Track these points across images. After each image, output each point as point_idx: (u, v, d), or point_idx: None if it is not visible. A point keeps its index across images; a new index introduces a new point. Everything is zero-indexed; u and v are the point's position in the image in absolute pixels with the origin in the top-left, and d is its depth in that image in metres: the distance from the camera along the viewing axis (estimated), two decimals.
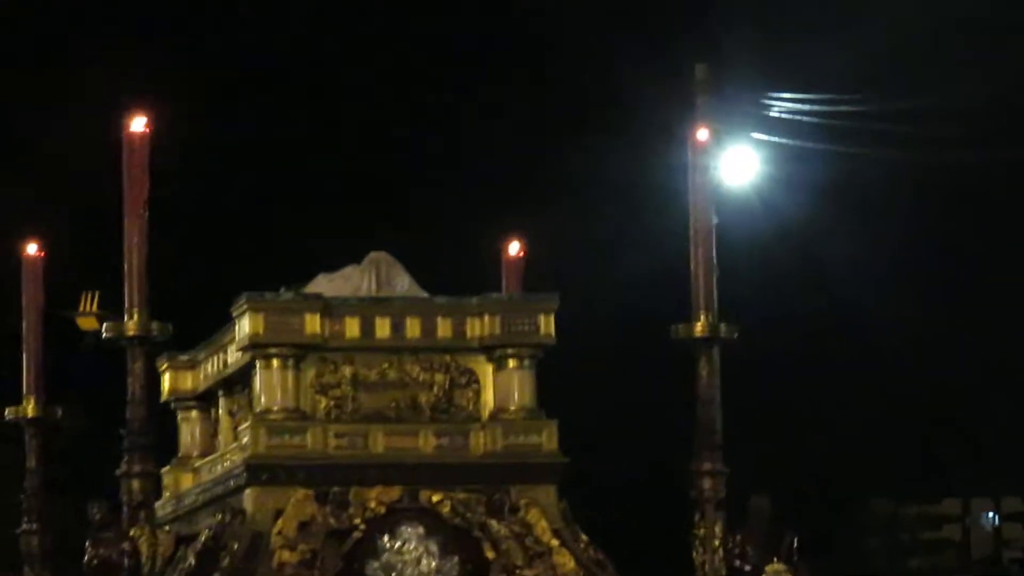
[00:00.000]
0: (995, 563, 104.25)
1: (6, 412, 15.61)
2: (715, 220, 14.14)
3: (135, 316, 12.63)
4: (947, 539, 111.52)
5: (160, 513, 14.27)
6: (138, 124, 12.78)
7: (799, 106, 37.55)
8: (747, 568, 13.16)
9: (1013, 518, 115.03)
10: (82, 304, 15.53)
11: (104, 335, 12.88)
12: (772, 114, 37.74)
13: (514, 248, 15.86)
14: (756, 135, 37.09)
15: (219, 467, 14.53)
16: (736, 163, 33.20)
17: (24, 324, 15.41)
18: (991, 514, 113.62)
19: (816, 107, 38.01)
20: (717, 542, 13.40)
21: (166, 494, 15.28)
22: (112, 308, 14.90)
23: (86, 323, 15.13)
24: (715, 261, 14.00)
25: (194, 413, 15.67)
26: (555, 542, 13.55)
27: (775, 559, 12.24)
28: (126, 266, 12.76)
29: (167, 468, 15.45)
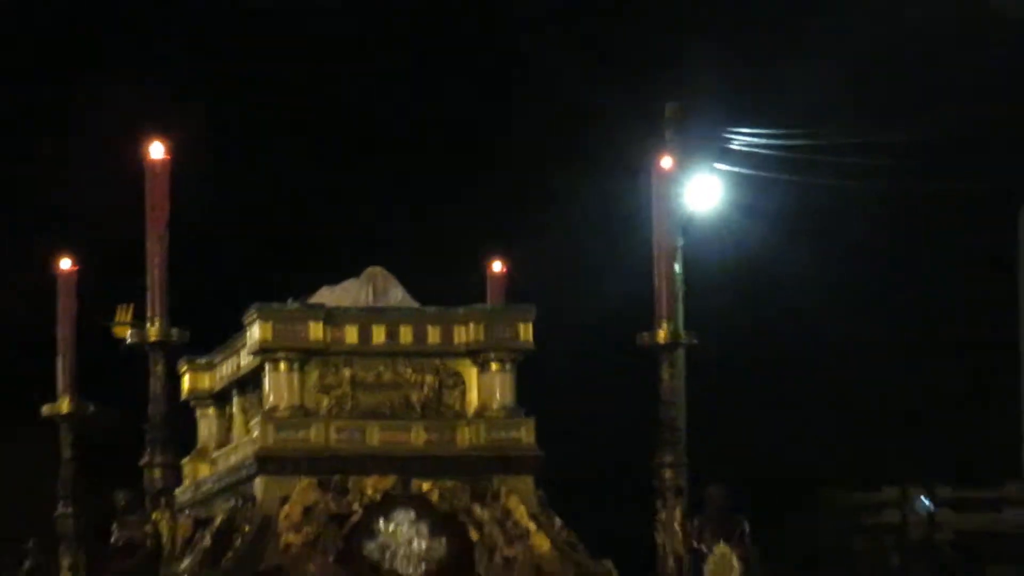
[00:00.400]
0: (929, 544, 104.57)
1: (43, 409, 15.62)
2: (680, 241, 14.18)
3: (156, 324, 12.64)
4: (887, 523, 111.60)
5: (180, 499, 14.25)
6: (157, 151, 12.76)
7: (758, 139, 37.39)
8: (704, 549, 13.12)
9: (945, 504, 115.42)
10: (118, 315, 15.48)
11: (128, 341, 12.93)
12: (733, 147, 37.62)
13: (497, 266, 15.84)
14: (719, 166, 37.00)
15: (233, 458, 14.51)
16: (701, 191, 33.05)
17: (59, 331, 15.43)
18: (926, 500, 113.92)
19: (773, 140, 37.89)
20: (677, 526, 13.35)
21: (186, 482, 15.23)
22: (145, 319, 14.88)
23: (121, 331, 15.03)
24: (679, 277, 14.06)
25: (211, 410, 15.65)
26: (532, 525, 13.54)
27: (725, 542, 12.14)
28: (148, 280, 12.77)
29: (187, 459, 15.43)
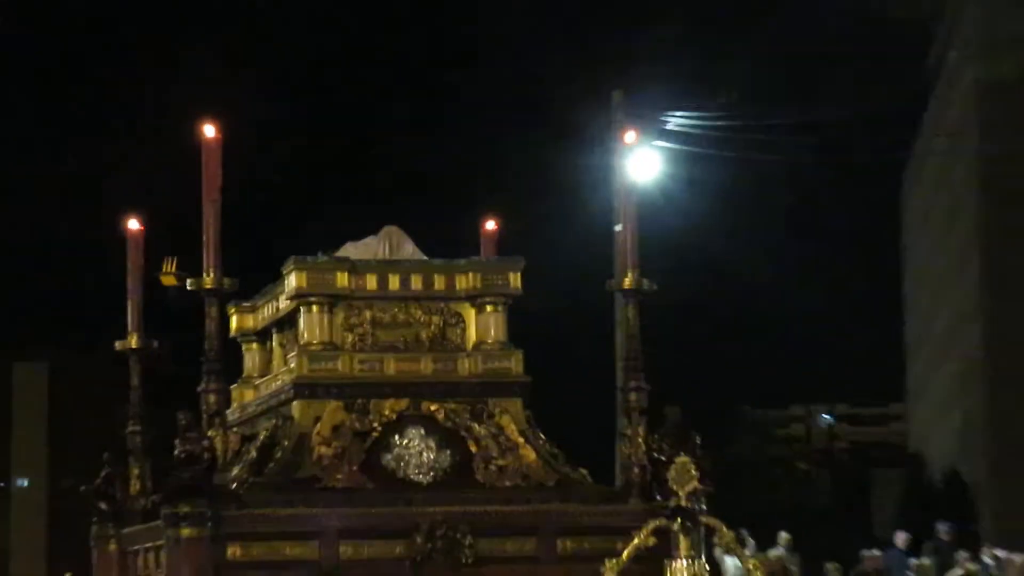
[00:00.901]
0: (829, 452, 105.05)
1: (116, 344, 15.66)
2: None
3: (211, 274, 12.81)
4: (794, 435, 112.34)
5: (230, 419, 14.33)
6: (210, 132, 12.78)
7: (690, 120, 37.31)
8: (662, 458, 13.03)
9: (842, 419, 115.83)
10: (164, 266, 15.58)
11: (188, 288, 12.98)
12: (670, 127, 37.54)
13: (490, 224, 15.80)
14: (657, 143, 36.91)
15: (273, 385, 14.52)
16: (642, 164, 32.82)
17: (128, 280, 15.47)
18: (826, 416, 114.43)
19: (703, 121, 37.81)
20: (640, 439, 13.32)
21: (233, 405, 15.24)
22: (188, 269, 15.00)
23: (167, 280, 15.18)
24: (638, 234, 13.97)
25: (254, 345, 15.66)
26: (521, 440, 13.58)
27: (683, 453, 12.01)
28: (204, 237, 12.87)
29: (234, 386, 15.48)
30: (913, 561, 29.91)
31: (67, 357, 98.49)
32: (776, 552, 31.59)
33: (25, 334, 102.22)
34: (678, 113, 37.89)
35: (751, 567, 8.91)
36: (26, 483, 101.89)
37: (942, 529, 31.62)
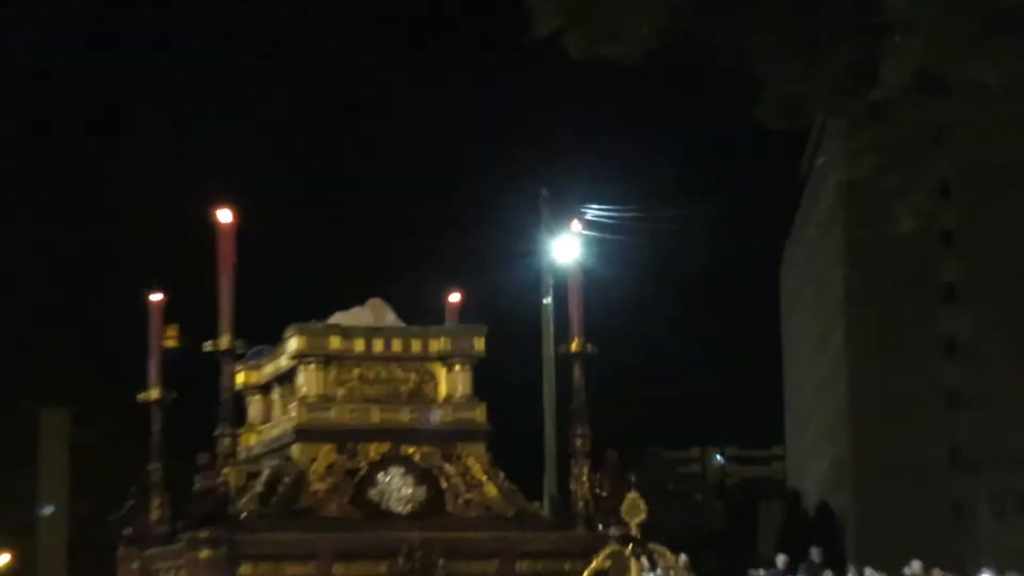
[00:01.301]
0: (721, 486, 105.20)
1: (138, 396, 15.49)
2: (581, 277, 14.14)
3: (226, 337, 12.51)
4: (692, 472, 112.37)
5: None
6: (226, 216, 12.63)
7: (604, 213, 37.33)
8: (604, 494, 12.98)
9: (732, 459, 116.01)
10: (168, 332, 15.55)
11: (205, 349, 12.79)
12: (588, 217, 37.58)
13: (454, 296, 15.70)
14: (578, 230, 36.93)
15: (275, 431, 14.36)
16: (565, 247, 32.83)
17: (151, 341, 15.27)
18: (718, 456, 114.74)
19: (614, 213, 37.85)
20: (585, 477, 13.25)
21: (240, 447, 15.02)
22: (188, 334, 15.10)
23: (169, 343, 15.17)
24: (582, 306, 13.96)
25: (257, 397, 15.38)
26: (484, 477, 13.48)
27: (630, 490, 11.96)
28: (220, 306, 12.60)
29: (240, 431, 15.23)
30: None
31: (87, 405, 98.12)
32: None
33: (51, 385, 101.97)
34: (593, 206, 37.89)
35: None
36: (50, 511, 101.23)
37: (814, 552, 31.65)
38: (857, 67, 10.25)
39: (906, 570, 30.18)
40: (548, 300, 28.41)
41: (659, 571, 9.62)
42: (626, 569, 8.43)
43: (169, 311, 15.87)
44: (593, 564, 9.29)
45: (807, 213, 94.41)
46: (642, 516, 8.67)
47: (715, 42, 11.01)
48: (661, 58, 11.34)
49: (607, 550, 9.82)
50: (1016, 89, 9.92)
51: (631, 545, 8.48)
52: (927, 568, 30.15)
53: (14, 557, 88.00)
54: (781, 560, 32.33)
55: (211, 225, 12.84)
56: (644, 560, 8.43)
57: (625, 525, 11.52)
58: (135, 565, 15.10)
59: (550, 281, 28.53)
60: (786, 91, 11.01)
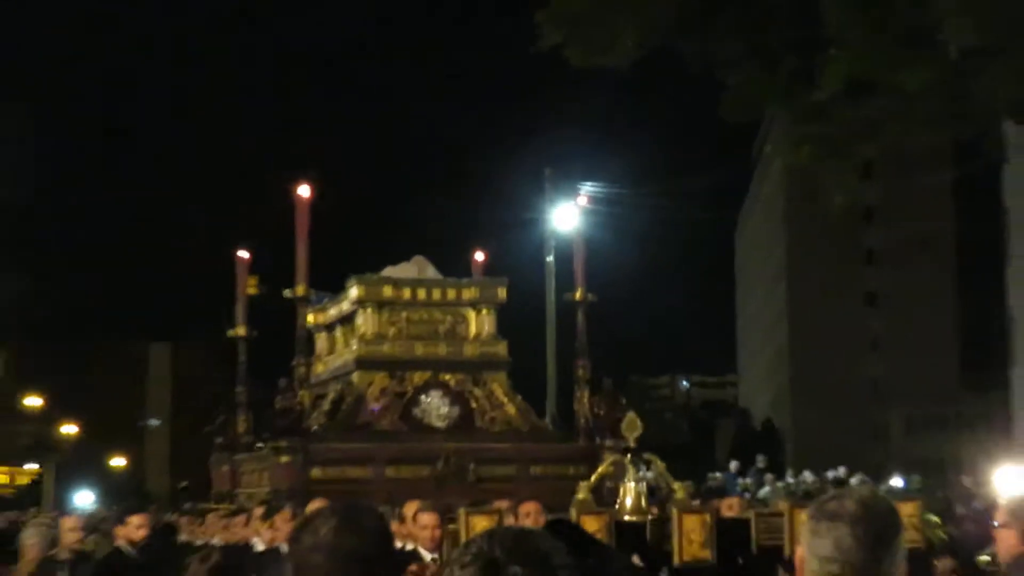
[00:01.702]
0: (686, 406, 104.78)
1: (227, 332, 15.47)
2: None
3: (302, 286, 12.51)
4: (663, 395, 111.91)
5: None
6: (304, 191, 12.54)
7: (599, 190, 36.94)
8: (601, 413, 12.89)
9: (695, 385, 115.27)
10: (250, 282, 15.61)
11: (285, 295, 12.74)
12: (584, 192, 37.26)
13: (479, 255, 15.64)
14: (581, 204, 36.63)
15: (338, 361, 14.39)
16: (566, 217, 32.45)
17: (237, 290, 15.20)
18: (684, 382, 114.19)
19: (608, 190, 37.41)
20: (585, 401, 13.18)
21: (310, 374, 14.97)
22: (267, 283, 15.19)
23: (251, 290, 15.18)
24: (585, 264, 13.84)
25: (323, 334, 15.36)
26: (505, 400, 13.52)
27: (622, 411, 11.87)
28: (296, 261, 12.55)
29: (311, 361, 15.17)
30: (740, 480, 29.83)
31: (186, 340, 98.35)
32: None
33: (157, 324, 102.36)
34: (588, 184, 37.50)
35: (675, 487, 8.70)
36: (156, 423, 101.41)
37: (760, 460, 31.45)
38: (801, 73, 10.09)
39: (830, 473, 30.03)
40: (550, 259, 28.09)
41: (649, 474, 9.45)
42: (625, 473, 8.29)
43: (252, 264, 15.85)
44: (600, 469, 9.18)
45: (756, 190, 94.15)
46: (639, 431, 8.54)
47: (688, 53, 10.87)
48: (645, 64, 11.22)
49: (610, 458, 9.70)
50: (931, 92, 9.76)
51: (629, 454, 8.35)
52: (850, 473, 29.97)
53: (128, 461, 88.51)
54: (733, 466, 32.16)
55: (290, 196, 12.77)
56: (639, 468, 8.29)
57: (622, 438, 11.49)
58: (225, 468, 15.14)
59: (552, 243, 28.20)
60: (743, 92, 10.86)
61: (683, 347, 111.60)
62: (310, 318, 15.44)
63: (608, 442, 12.53)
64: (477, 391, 13.39)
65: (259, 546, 9.15)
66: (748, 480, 29.55)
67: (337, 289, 14.36)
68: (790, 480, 31.21)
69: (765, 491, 26.89)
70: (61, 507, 49.31)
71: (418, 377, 13.34)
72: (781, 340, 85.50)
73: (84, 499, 60.84)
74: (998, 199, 44.73)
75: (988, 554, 10.10)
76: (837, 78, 9.30)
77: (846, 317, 79.35)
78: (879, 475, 41.40)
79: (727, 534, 8.20)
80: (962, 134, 12.78)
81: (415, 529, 7.30)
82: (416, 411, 13.14)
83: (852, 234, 77.31)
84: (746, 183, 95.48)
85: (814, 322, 79.63)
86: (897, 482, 35.59)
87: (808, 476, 30.11)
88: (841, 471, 29.86)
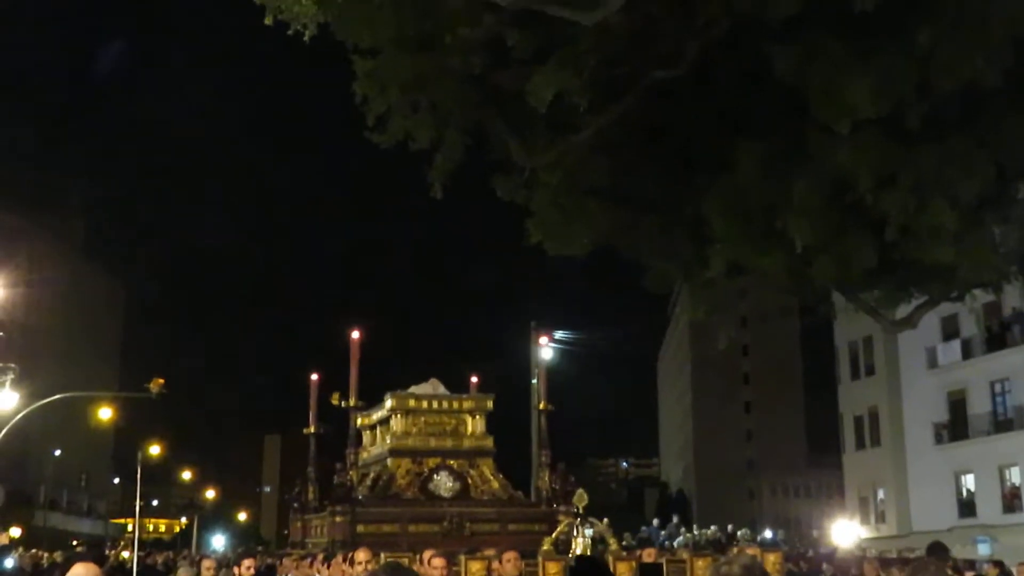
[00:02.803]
0: (624, 480, 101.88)
1: (303, 430, 14.95)
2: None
3: (352, 399, 12.06)
4: (609, 472, 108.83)
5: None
6: (356, 334, 12.19)
7: (566, 335, 36.40)
8: (556, 488, 12.36)
9: (631, 464, 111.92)
10: (333, 397, 14.93)
11: (343, 405, 12.28)
12: (557, 337, 36.72)
13: (474, 378, 15.11)
14: (552, 343, 36.06)
15: (377, 450, 13.74)
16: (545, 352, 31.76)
17: (311, 403, 14.70)
18: (624, 463, 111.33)
19: (572, 336, 36.88)
20: (546, 478, 12.64)
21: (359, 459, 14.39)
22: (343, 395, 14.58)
23: (334, 401, 14.61)
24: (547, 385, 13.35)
25: (368, 432, 14.76)
26: (492, 477, 12.92)
27: (572, 487, 11.32)
28: (351, 380, 12.14)
29: (359, 450, 14.61)
30: (663, 532, 28.94)
31: (290, 433, 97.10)
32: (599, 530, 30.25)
33: (269, 421, 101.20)
34: (560, 333, 37.03)
35: (611, 541, 8.26)
36: (268, 490, 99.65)
37: (675, 517, 30.66)
38: (697, 260, 9.96)
39: (727, 527, 29.04)
40: (535, 381, 27.43)
41: (593, 532, 8.98)
42: (578, 532, 7.86)
43: (322, 384, 15.32)
44: (557, 529, 8.70)
45: (671, 333, 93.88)
46: (586, 502, 8.12)
47: (625, 247, 10.79)
48: (597, 253, 11.16)
49: (564, 520, 9.21)
50: (783, 271, 9.60)
51: (579, 518, 7.91)
52: (736, 527, 29.04)
53: (248, 515, 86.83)
54: (656, 522, 31.30)
55: (347, 338, 12.41)
56: (586, 528, 7.85)
57: (571, 505, 11.01)
58: (298, 524, 14.58)
59: (536, 370, 27.52)
60: (659, 273, 10.72)
61: (623, 438, 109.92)
62: (359, 420, 15.01)
63: (561, 507, 12.02)
64: (472, 471, 12.86)
65: None
66: (666, 532, 28.66)
67: (376, 400, 13.90)
68: (696, 532, 30.32)
69: (679, 540, 25.94)
70: (203, 548, 48.15)
71: (432, 462, 12.84)
72: (687, 433, 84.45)
73: (218, 542, 59.53)
74: (831, 341, 44.52)
75: None
76: (720, 263, 9.20)
77: (731, 418, 78.84)
78: (755, 528, 40.30)
79: (647, 574, 7.74)
80: (805, 299, 12.62)
81: (429, 570, 6.88)
82: (430, 485, 12.61)
83: (734, 363, 77.09)
84: (664, 328, 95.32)
85: (710, 421, 78.96)
86: (768, 534, 34.61)
87: (708, 530, 29.19)
88: (730, 528, 28.91)
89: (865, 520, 41.61)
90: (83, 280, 58.86)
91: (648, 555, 9.61)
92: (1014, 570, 14.08)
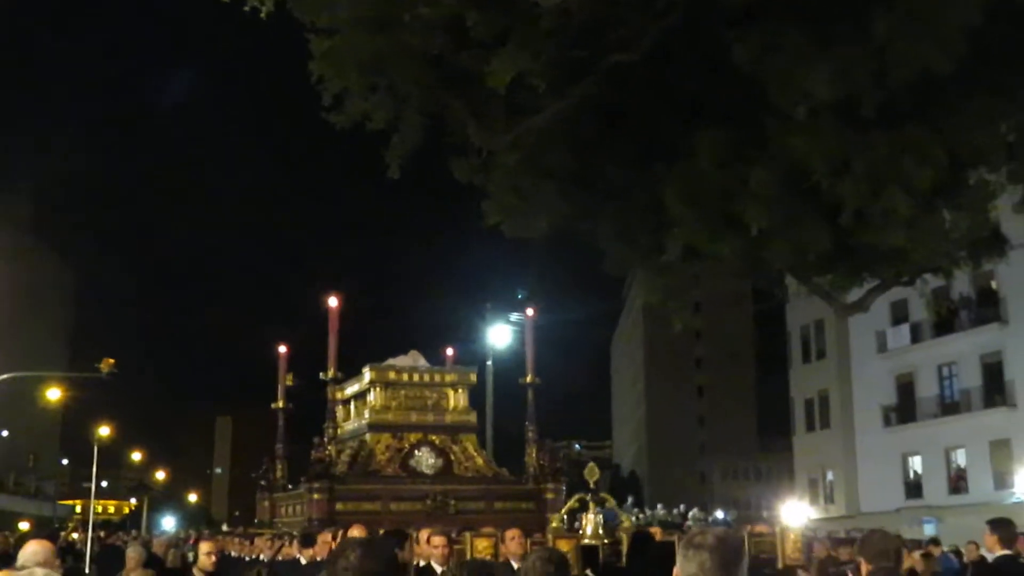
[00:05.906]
0: (576, 461, 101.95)
1: (272, 405, 14.27)
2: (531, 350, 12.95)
3: (331, 371, 11.33)
4: (562, 454, 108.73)
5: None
6: (333, 302, 11.46)
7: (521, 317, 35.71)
8: (544, 464, 11.83)
9: (584, 447, 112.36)
10: (289, 376, 14.26)
11: (320, 377, 11.59)
12: (512, 320, 36.16)
13: (449, 351, 14.50)
14: (509, 325, 35.51)
15: (355, 425, 13.07)
16: (500, 335, 31.08)
17: (279, 377, 13.97)
18: (577, 445, 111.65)
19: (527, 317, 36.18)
20: (534, 454, 12.09)
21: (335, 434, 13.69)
22: (299, 376, 14.00)
23: (289, 381, 13.92)
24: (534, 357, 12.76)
25: (341, 406, 14.06)
26: (475, 453, 12.35)
27: (557, 462, 10.80)
28: (329, 350, 11.44)
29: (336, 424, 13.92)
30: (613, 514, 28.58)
31: (242, 412, 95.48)
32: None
33: (221, 401, 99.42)
34: (514, 315, 36.43)
35: (624, 519, 7.75)
36: (219, 471, 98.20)
37: (629, 500, 30.37)
38: (653, 245, 9.63)
39: (675, 509, 28.81)
40: (489, 362, 26.64)
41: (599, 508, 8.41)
42: (587, 507, 7.32)
43: (291, 356, 14.63)
44: (568, 504, 8.13)
45: (625, 317, 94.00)
46: (598, 476, 7.59)
47: (582, 231, 10.36)
48: (557, 237, 10.68)
49: (576, 496, 8.65)
50: (738, 256, 9.29)
51: (591, 494, 7.38)
52: (688, 508, 28.84)
53: (199, 497, 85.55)
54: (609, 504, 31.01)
55: (323, 305, 11.70)
56: (597, 504, 7.30)
57: (559, 482, 10.48)
58: (266, 503, 13.97)
59: (488, 350, 26.67)
60: (617, 256, 10.36)
61: (578, 420, 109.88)
62: (337, 394, 14.31)
63: (550, 484, 11.47)
64: (455, 447, 12.25)
65: (302, 560, 8.03)
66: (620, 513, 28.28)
67: (354, 373, 13.20)
68: (648, 512, 30.07)
69: (633, 521, 25.60)
70: (152, 529, 46.99)
71: (412, 437, 12.21)
72: (640, 416, 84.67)
73: (168, 523, 58.37)
74: (783, 325, 44.60)
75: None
76: (676, 248, 8.92)
77: (683, 402, 79.11)
78: (706, 509, 40.30)
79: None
80: (759, 283, 12.32)
81: (428, 549, 6.30)
82: (411, 462, 11.99)
83: (687, 348, 77.29)
84: (619, 312, 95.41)
85: (663, 404, 79.20)
86: (719, 514, 34.49)
87: (660, 510, 28.94)
88: (682, 507, 28.67)
89: (814, 501, 41.88)
90: (31, 259, 56.99)
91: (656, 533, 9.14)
92: (963, 549, 14.09)
